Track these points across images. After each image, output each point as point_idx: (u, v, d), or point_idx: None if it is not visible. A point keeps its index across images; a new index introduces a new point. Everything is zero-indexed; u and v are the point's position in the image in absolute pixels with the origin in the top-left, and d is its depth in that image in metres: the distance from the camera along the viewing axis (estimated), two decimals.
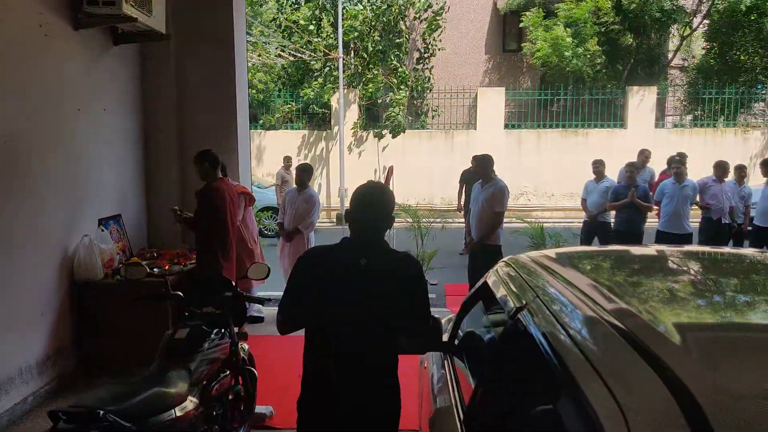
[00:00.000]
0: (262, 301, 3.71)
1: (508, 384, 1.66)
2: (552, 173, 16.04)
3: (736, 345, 1.28)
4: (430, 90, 17.33)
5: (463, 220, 9.20)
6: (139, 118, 5.93)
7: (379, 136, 16.18)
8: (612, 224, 8.09)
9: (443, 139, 16.38)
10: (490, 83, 19.47)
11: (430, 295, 7.44)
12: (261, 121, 17.09)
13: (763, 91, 17.66)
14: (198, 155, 5.14)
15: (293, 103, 17.11)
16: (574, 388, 1.20)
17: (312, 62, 16.89)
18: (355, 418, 2.31)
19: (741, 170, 8.20)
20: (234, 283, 3.69)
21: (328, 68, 16.68)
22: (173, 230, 6.02)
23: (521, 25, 18.07)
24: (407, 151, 16.22)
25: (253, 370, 3.90)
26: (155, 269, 5.12)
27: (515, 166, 15.64)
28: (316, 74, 16.91)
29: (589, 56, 16.72)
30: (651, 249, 2.66)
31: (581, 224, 8.65)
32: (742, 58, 17.95)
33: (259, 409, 4.19)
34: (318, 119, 17.32)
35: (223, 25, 6.09)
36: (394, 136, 15.98)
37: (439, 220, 9.53)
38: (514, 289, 1.98)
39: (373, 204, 2.42)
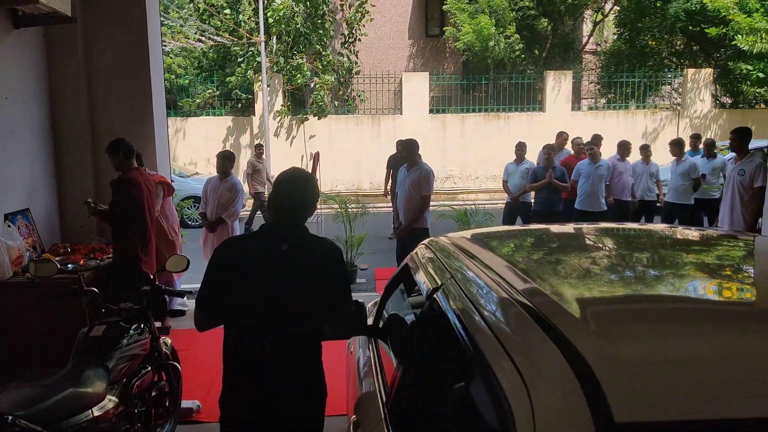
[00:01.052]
0: (182, 294, 3.62)
1: (424, 364, 1.69)
2: (476, 156, 16.40)
3: (629, 316, 1.36)
4: (358, 74, 17.28)
5: (391, 204, 9.27)
6: (47, 107, 5.60)
7: (302, 121, 15.99)
8: (532, 204, 8.39)
9: (370, 125, 16.41)
10: (415, 68, 19.62)
11: (360, 280, 7.46)
12: (181, 107, 16.54)
13: (669, 75, 18.65)
14: (111, 144, 4.91)
15: (214, 89, 16.65)
16: (484, 366, 1.24)
17: (233, 47, 16.47)
18: (279, 409, 2.30)
19: (646, 149, 8.66)
20: (152, 277, 3.59)
21: (250, 53, 16.31)
22: (88, 224, 5.76)
23: (444, 8, 18.26)
24: (334, 137, 16.15)
25: (176, 364, 3.80)
26: (69, 265, 4.88)
27: (441, 149, 15.89)
28: (238, 59, 16.50)
29: (509, 43, 17.12)
30: (565, 227, 2.77)
31: (504, 205, 8.91)
32: (651, 43, 18.88)
33: (186, 403, 4.11)
34: (242, 105, 16.94)
35: (135, 7, 5.82)
36: (319, 119, 15.84)
37: (369, 205, 9.58)
38: (431, 271, 2.01)
39: (294, 190, 2.40)
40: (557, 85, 16.82)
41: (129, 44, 5.83)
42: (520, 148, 8.56)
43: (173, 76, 17.05)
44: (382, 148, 14.44)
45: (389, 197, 9.80)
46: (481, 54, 17.35)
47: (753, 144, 7.61)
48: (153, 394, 3.48)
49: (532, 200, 8.44)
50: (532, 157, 8.83)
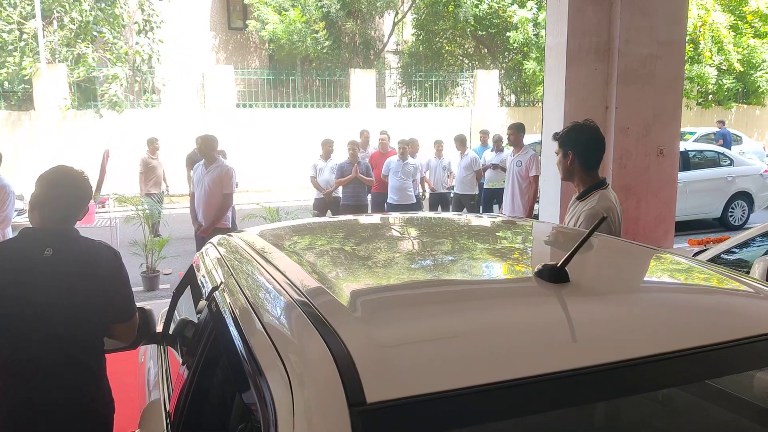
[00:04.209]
0: None
1: (203, 368, 1.64)
2: (284, 152, 16.33)
3: (392, 301, 1.44)
4: (151, 69, 16.22)
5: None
6: None
7: (97, 115, 14.63)
8: (341, 199, 8.62)
9: (171, 120, 15.51)
10: (218, 61, 18.99)
11: (163, 286, 7.04)
12: None
13: (463, 75, 20.25)
14: None
15: None
16: (253, 363, 1.23)
17: (2, 33, 14.50)
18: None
19: (438, 144, 9.36)
20: None
21: (24, 42, 14.49)
22: None
23: (246, 1, 17.91)
24: (131, 133, 14.99)
25: None
26: None
27: (248, 146, 15.57)
28: (9, 47, 14.56)
29: (317, 39, 17.33)
30: (354, 219, 2.86)
31: (314, 201, 9.04)
32: (446, 45, 20.35)
33: None
34: (17, 98, 15.03)
35: None
36: (118, 113, 14.61)
37: (170, 206, 9.09)
38: (214, 269, 1.96)
39: (59, 190, 2.18)
40: (361, 83, 17.38)
41: None
42: (328, 145, 8.74)
43: None
44: (187, 144, 13.78)
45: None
46: (288, 49, 17.33)
47: (530, 138, 8.58)
48: None
49: (341, 195, 8.68)
50: (340, 153, 9.07)
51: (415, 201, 8.51)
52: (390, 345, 1.16)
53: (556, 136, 3.05)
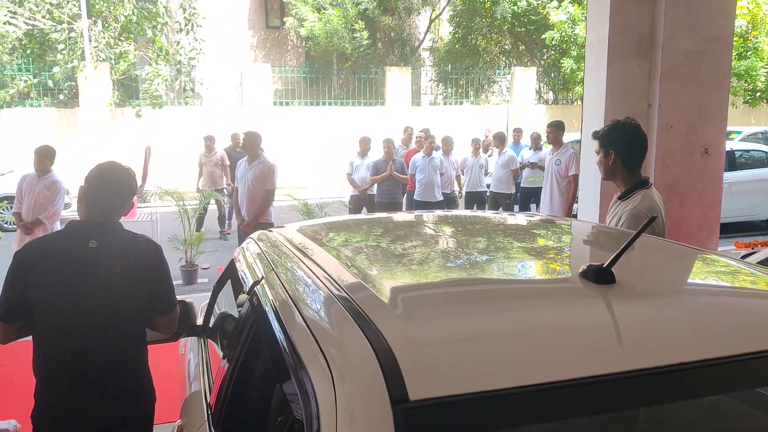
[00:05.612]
0: None
1: (245, 361, 1.66)
2: (320, 150, 16.44)
3: (434, 298, 1.43)
4: (193, 67, 16.50)
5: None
6: None
7: (137, 114, 14.97)
8: (376, 196, 8.63)
9: (210, 117, 15.76)
10: (256, 59, 19.21)
11: (201, 280, 7.16)
12: None
13: (500, 73, 20.05)
14: None
15: (31, 78, 15.03)
16: (296, 357, 1.24)
17: (52, 33, 14.95)
18: (97, 420, 2.14)
19: (475, 142, 9.27)
20: None
21: (72, 40, 14.92)
22: None
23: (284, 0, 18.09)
24: (172, 129, 15.30)
25: None
26: None
27: (285, 143, 15.72)
28: (60, 47, 15.01)
29: (355, 37, 17.38)
30: (392, 216, 2.86)
31: (349, 198, 9.08)
32: (483, 43, 20.17)
33: (1, 425, 3.73)
34: (64, 96, 15.47)
35: None
36: (154, 108, 14.91)
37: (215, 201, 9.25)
38: (255, 264, 1.98)
39: (106, 183, 2.25)
40: (397, 80, 17.37)
41: None
42: (365, 143, 8.77)
43: None
44: (223, 141, 13.99)
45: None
46: (325, 47, 17.43)
47: (569, 137, 8.43)
48: None
49: (376, 192, 8.68)
50: (376, 150, 9.08)
51: (441, 198, 8.36)
52: (432, 343, 1.15)
53: (597, 135, 2.99)
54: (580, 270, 1.43)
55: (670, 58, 5.50)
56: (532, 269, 1.67)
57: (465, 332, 1.21)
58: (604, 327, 1.25)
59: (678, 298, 1.51)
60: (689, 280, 1.70)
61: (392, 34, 19.06)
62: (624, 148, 2.88)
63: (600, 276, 1.37)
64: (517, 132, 10.35)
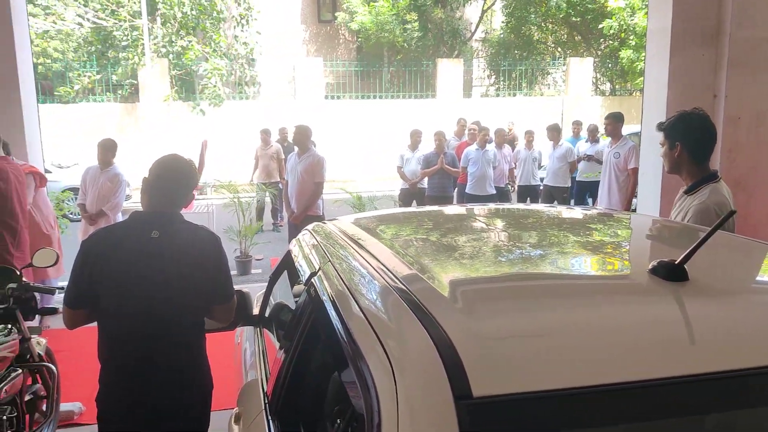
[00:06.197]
0: (53, 290, 3.38)
1: (302, 351, 1.67)
2: (372, 143, 16.48)
3: (495, 293, 1.40)
4: (253, 60, 16.78)
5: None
6: None
7: (194, 108, 15.33)
8: (426, 190, 8.57)
9: (263, 112, 16.01)
10: (308, 54, 19.40)
11: (255, 270, 7.29)
12: (59, 94, 15.39)
13: (554, 63, 19.62)
14: None
15: (94, 74, 15.60)
16: (354, 348, 1.24)
17: (115, 30, 15.48)
18: (158, 405, 2.20)
19: (529, 135, 9.07)
20: (19, 273, 3.32)
21: (134, 37, 15.41)
22: None
23: None
24: (227, 123, 15.62)
25: (52, 366, 3.56)
26: None
27: (335, 136, 15.82)
28: (123, 44, 15.54)
29: (406, 29, 17.33)
30: (446, 209, 2.83)
31: (399, 191, 9.05)
32: (538, 34, 19.78)
33: (66, 406, 3.88)
34: (126, 92, 16.01)
35: None
36: (214, 106, 15.26)
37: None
38: (311, 255, 1.99)
39: (169, 175, 2.30)
40: (449, 72, 17.21)
41: None
42: (416, 135, 8.70)
43: (49, 61, 15.80)
44: (275, 135, 14.18)
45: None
46: (376, 40, 17.44)
47: (628, 129, 8.16)
48: (27, 398, 3.26)
49: (426, 186, 8.62)
50: (427, 143, 9.01)
51: (493, 192, 8.21)
52: (496, 338, 1.12)
53: (662, 126, 2.87)
54: (650, 266, 1.36)
55: (737, 46, 5.25)
56: (597, 264, 1.61)
57: (531, 328, 1.17)
58: (678, 326, 1.19)
59: (756, 298, 1.43)
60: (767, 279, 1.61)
61: (443, 25, 18.89)
62: (691, 140, 2.76)
63: (672, 273, 1.31)
64: (576, 124, 10.07)
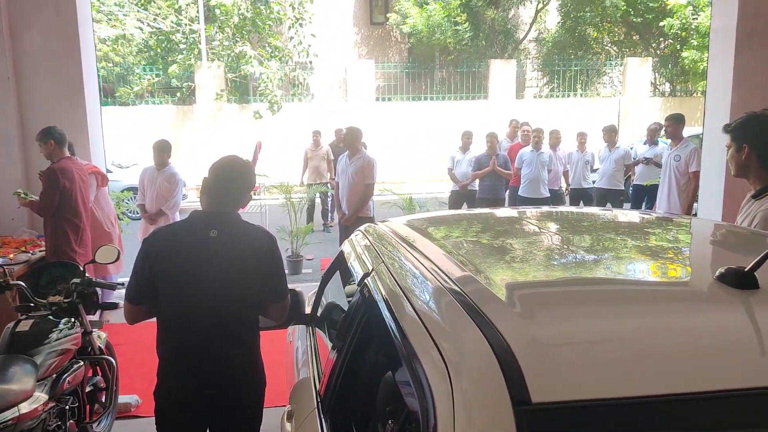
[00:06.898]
0: (114, 286, 3.51)
1: (355, 351, 1.68)
2: (422, 144, 16.45)
3: (554, 298, 1.37)
4: (310, 63, 16.98)
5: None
6: None
7: (258, 116, 15.59)
8: (477, 192, 8.48)
9: (315, 113, 16.19)
10: (360, 56, 19.52)
11: (305, 270, 7.38)
12: (119, 97, 15.98)
13: (611, 63, 19.14)
14: (41, 133, 4.78)
15: (153, 77, 16.13)
16: (409, 350, 1.23)
17: (173, 34, 15.97)
18: (214, 401, 2.25)
19: (581, 136, 8.81)
20: (82, 268, 3.46)
21: (192, 40, 15.86)
22: (19, 216, 5.54)
23: None
24: (280, 124, 15.87)
25: (111, 359, 3.69)
26: None
27: (386, 138, 15.86)
28: (181, 47, 16.01)
29: (457, 30, 17.23)
30: (500, 211, 2.80)
31: (449, 194, 8.99)
32: (594, 34, 19.32)
33: (124, 398, 4.01)
34: (182, 94, 16.48)
35: None
36: (273, 114, 15.53)
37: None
38: (364, 256, 1.99)
39: (227, 176, 2.35)
40: (501, 73, 17.02)
41: (58, 29, 5.58)
42: (467, 137, 8.62)
43: (111, 65, 16.43)
44: (330, 137, 14.34)
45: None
46: (427, 41, 17.40)
47: (688, 131, 7.87)
48: (87, 389, 3.38)
49: (477, 188, 8.53)
50: (478, 145, 8.92)
51: (548, 195, 8.04)
52: (556, 343, 1.10)
53: (728, 128, 2.75)
54: (717, 273, 1.31)
55: None
56: (659, 270, 1.55)
57: (592, 335, 1.14)
58: (748, 336, 1.14)
59: None
60: None
61: (495, 25, 18.68)
62: (760, 142, 2.63)
63: (741, 280, 1.25)
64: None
